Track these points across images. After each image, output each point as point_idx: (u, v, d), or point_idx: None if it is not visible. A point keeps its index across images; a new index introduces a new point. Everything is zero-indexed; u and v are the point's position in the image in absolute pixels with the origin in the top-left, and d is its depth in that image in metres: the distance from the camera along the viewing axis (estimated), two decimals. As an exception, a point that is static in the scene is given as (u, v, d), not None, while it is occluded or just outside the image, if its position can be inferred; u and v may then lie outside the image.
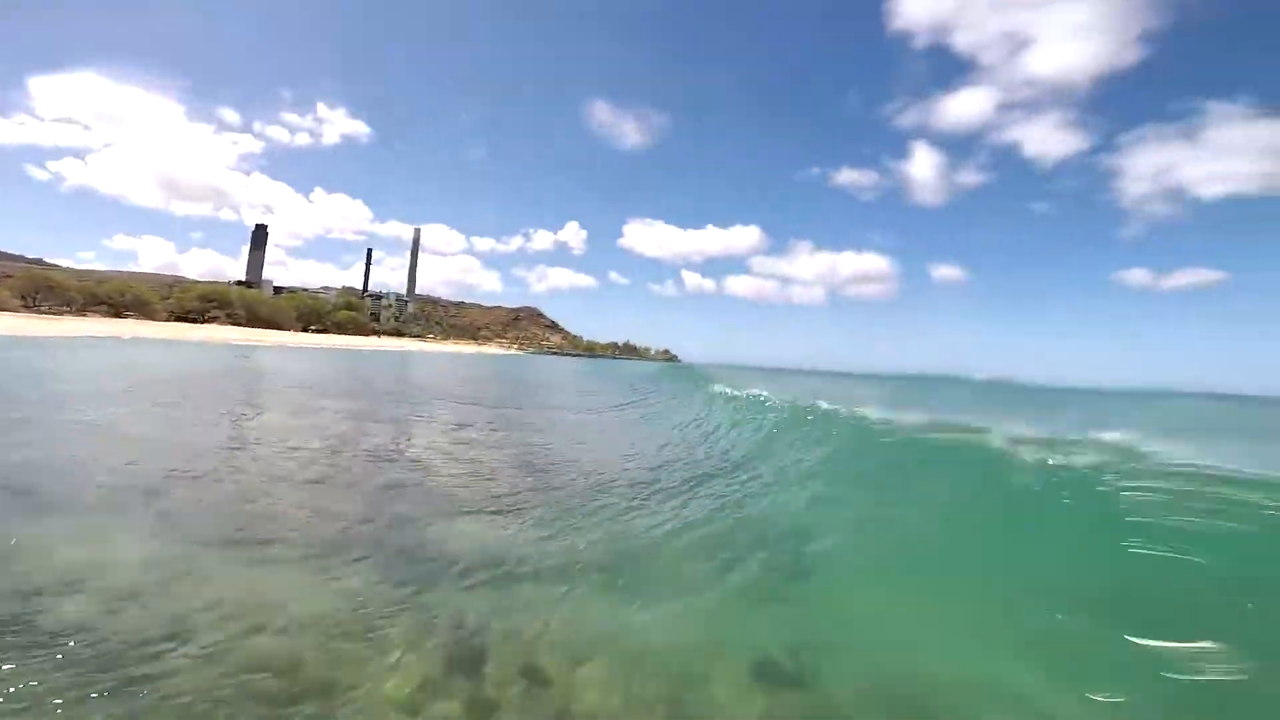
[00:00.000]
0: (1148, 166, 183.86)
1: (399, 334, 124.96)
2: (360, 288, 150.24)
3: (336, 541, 4.39)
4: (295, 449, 7.40)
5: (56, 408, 9.13)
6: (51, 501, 4.78)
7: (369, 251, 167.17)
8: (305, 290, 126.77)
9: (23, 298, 74.80)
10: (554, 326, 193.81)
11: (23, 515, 4.34)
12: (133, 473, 5.83)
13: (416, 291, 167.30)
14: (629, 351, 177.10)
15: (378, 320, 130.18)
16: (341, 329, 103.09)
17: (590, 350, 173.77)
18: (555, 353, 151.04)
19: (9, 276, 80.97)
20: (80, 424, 7.92)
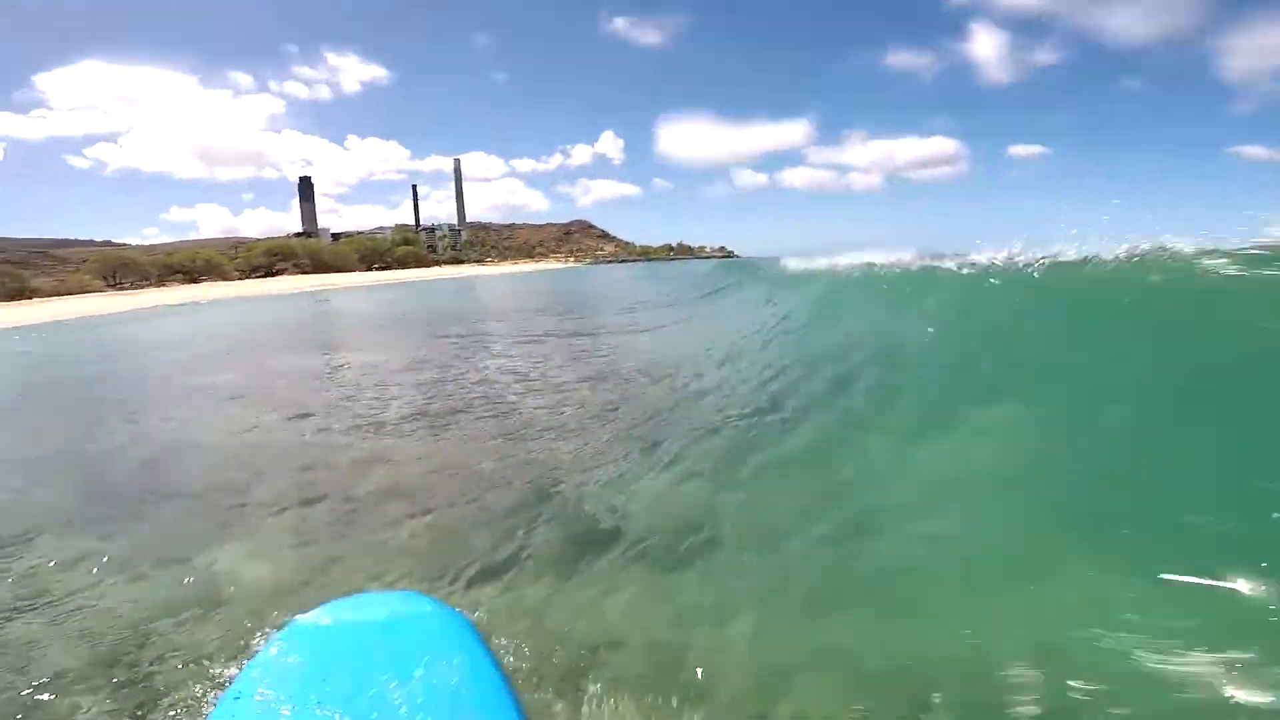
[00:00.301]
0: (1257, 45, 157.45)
1: (457, 261, 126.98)
2: (413, 223, 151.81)
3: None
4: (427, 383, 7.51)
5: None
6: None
7: (414, 188, 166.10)
8: (361, 233, 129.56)
9: (104, 278, 79.66)
10: (605, 236, 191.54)
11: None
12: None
13: (467, 219, 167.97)
14: (684, 252, 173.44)
15: (435, 251, 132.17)
16: (403, 264, 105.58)
17: (645, 255, 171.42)
18: (610, 261, 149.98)
19: (85, 260, 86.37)
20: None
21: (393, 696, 0.74)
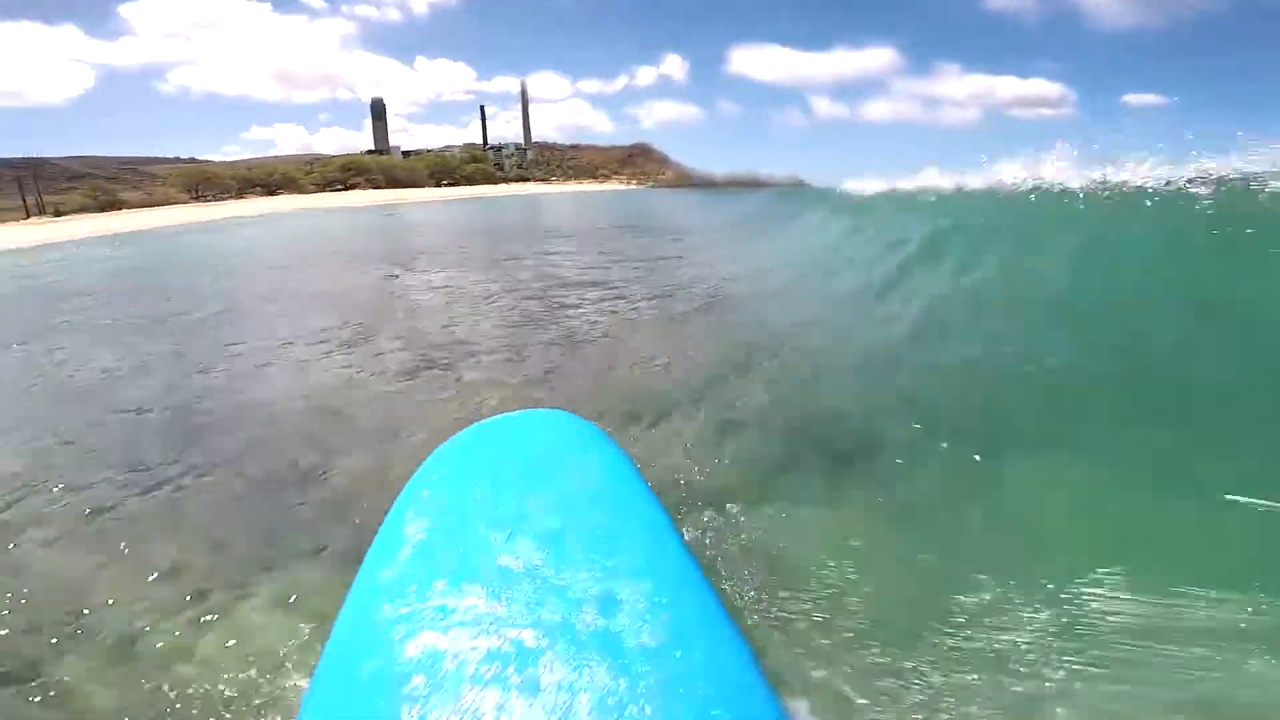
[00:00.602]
0: None
1: (523, 180, 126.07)
2: (481, 142, 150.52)
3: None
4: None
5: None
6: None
7: (482, 108, 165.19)
8: (431, 151, 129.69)
9: (188, 191, 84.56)
10: (666, 161, 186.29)
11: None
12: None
13: (533, 139, 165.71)
14: (751, 183, 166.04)
15: (502, 170, 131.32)
16: (471, 181, 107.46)
17: (710, 183, 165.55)
18: (671, 187, 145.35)
19: (170, 175, 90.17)
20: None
21: (547, 502, 0.80)
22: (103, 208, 73.83)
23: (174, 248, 18.99)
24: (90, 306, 7.90)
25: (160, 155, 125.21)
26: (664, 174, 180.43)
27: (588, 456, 0.95)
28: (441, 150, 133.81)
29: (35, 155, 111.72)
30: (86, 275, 11.63)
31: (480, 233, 16.78)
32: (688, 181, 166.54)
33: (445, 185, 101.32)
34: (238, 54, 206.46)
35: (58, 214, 71.09)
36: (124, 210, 70.67)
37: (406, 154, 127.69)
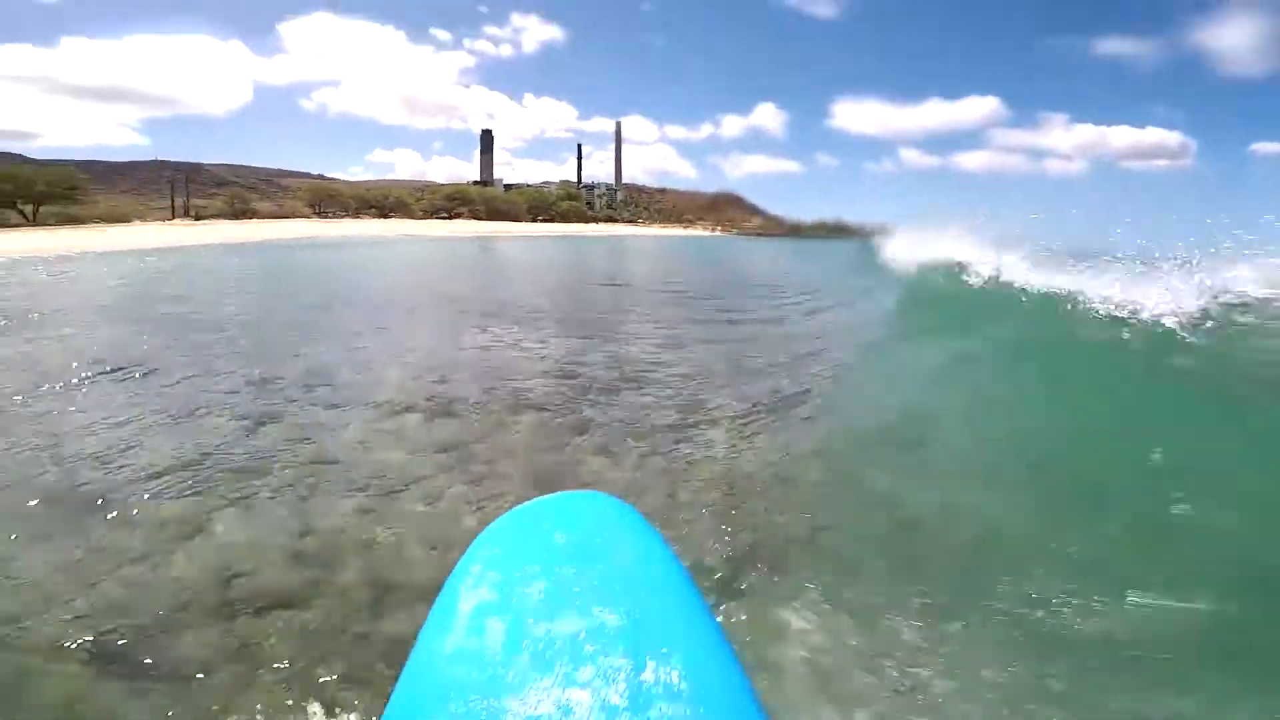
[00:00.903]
0: None
1: (611, 219, 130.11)
2: (575, 180, 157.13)
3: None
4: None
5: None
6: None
7: (579, 147, 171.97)
8: (530, 186, 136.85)
9: (312, 206, 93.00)
10: (754, 210, 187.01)
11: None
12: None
13: (623, 180, 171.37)
14: (840, 231, 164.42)
15: (593, 208, 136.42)
16: (565, 217, 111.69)
17: (797, 230, 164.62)
18: (758, 235, 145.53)
19: (300, 190, 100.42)
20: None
21: (588, 582, 0.86)
22: (237, 215, 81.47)
23: (283, 266, 20.25)
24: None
25: (294, 169, 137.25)
26: (750, 221, 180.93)
27: (626, 538, 1.00)
28: (540, 185, 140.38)
29: (193, 160, 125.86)
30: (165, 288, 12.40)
31: (566, 279, 17.71)
32: (775, 229, 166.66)
33: (540, 220, 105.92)
34: (372, 78, 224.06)
35: (197, 218, 79.42)
36: (254, 219, 77.97)
37: (508, 187, 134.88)
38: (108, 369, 5.22)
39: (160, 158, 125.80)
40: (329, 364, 5.69)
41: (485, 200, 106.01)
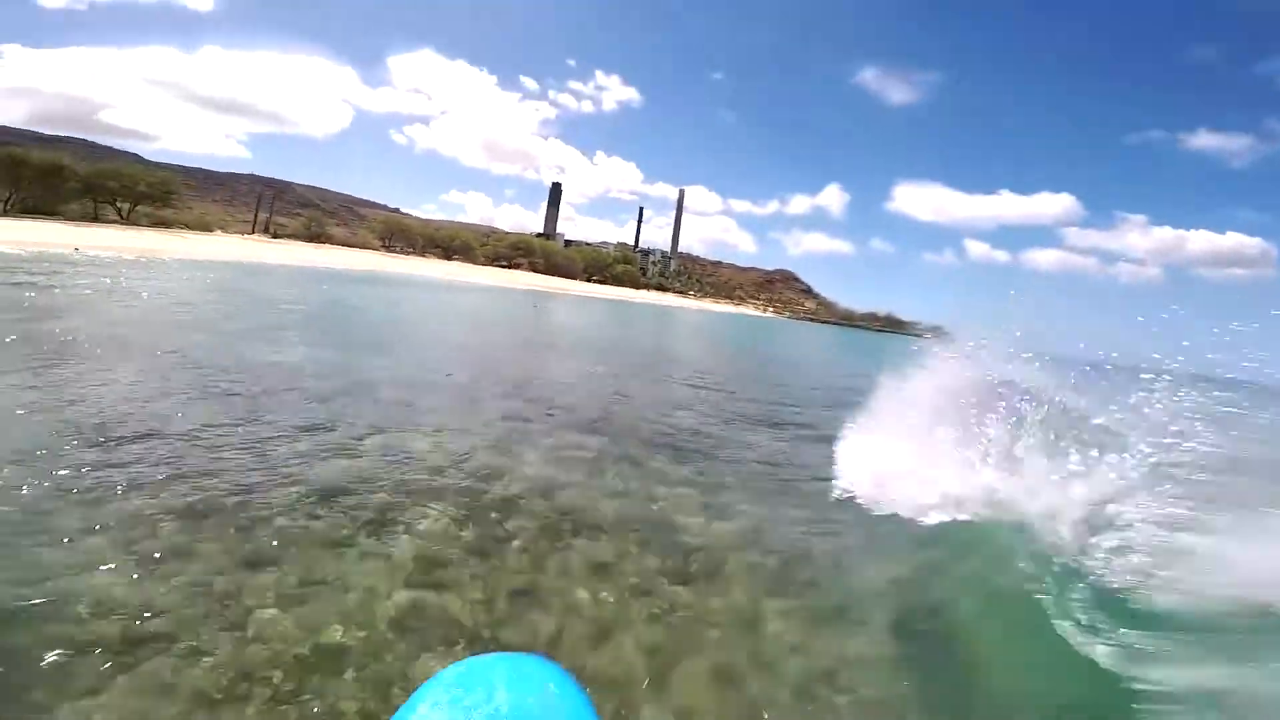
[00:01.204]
0: None
1: (662, 289, 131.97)
2: (632, 243, 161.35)
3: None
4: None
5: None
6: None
7: (640, 210, 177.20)
8: (588, 244, 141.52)
9: (381, 239, 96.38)
10: (808, 292, 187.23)
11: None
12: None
13: (680, 249, 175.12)
14: (892, 325, 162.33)
15: (645, 274, 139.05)
16: (619, 281, 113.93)
17: (848, 319, 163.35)
18: (811, 319, 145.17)
19: (374, 221, 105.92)
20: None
21: None
22: (312, 237, 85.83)
23: (338, 305, 20.41)
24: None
25: (372, 199, 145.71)
26: (803, 304, 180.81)
27: (557, 709, 1.03)
28: (598, 245, 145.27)
29: (285, 178, 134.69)
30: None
31: (604, 357, 17.36)
32: (826, 315, 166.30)
33: (594, 281, 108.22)
34: (460, 118, 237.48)
35: (275, 235, 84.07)
36: (327, 244, 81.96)
37: (568, 243, 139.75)
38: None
39: (255, 172, 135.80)
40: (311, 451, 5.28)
41: (546, 254, 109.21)
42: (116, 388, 6.16)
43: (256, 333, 11.05)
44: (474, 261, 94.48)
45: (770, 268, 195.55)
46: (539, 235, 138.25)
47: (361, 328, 15.67)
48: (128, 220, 57.86)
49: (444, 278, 57.37)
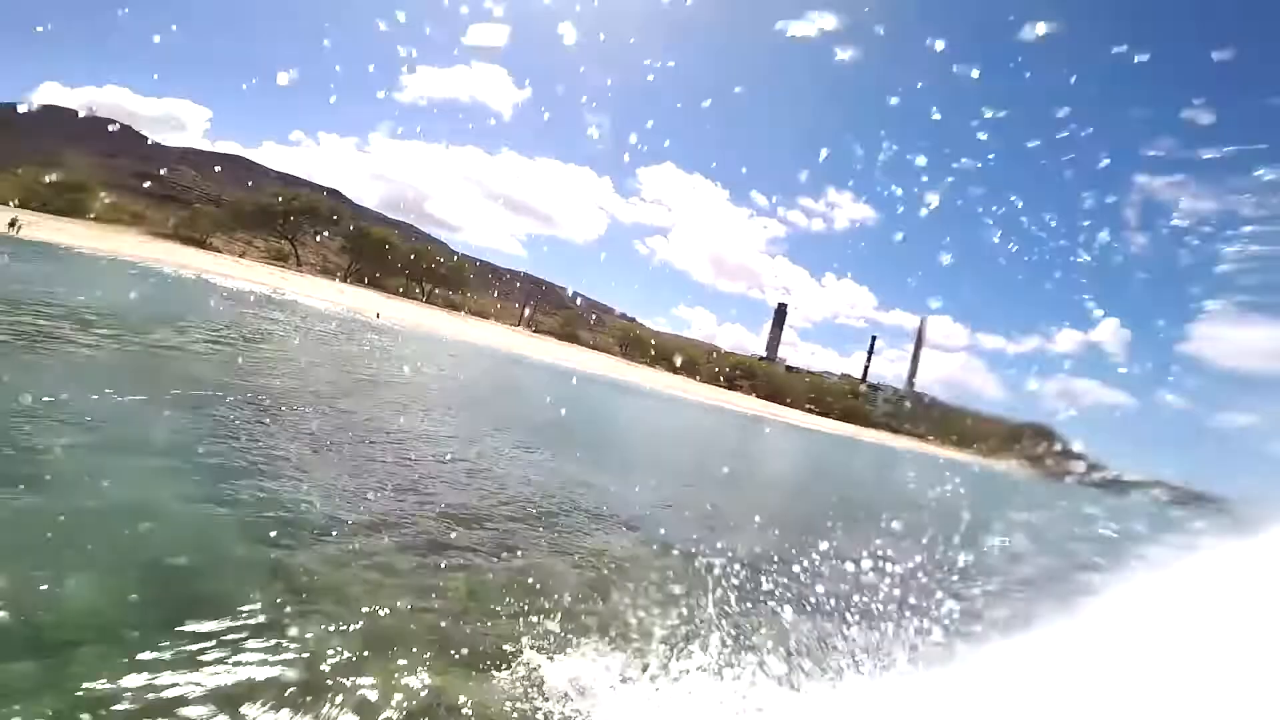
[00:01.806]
0: None
1: (893, 429, 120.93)
2: (860, 375, 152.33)
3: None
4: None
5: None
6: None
7: (873, 339, 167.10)
8: (810, 372, 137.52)
9: (620, 345, 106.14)
10: (1067, 453, 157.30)
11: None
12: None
13: (915, 386, 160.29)
14: (1192, 499, 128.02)
15: (873, 409, 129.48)
16: (847, 415, 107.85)
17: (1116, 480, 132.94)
18: (1077, 481, 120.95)
19: (613, 327, 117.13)
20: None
21: None
22: (565, 337, 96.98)
23: (594, 407, 21.98)
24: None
25: (612, 306, 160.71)
26: (1066, 468, 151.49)
27: None
28: (822, 374, 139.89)
29: (549, 278, 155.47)
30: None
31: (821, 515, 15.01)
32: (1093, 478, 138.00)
33: (815, 413, 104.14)
34: (693, 232, 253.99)
35: (535, 330, 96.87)
36: (575, 345, 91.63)
37: (789, 368, 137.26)
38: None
39: (527, 270, 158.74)
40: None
41: (767, 377, 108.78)
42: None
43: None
44: (694, 376, 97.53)
45: (1018, 420, 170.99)
46: (761, 358, 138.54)
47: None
48: (428, 299, 70.22)
49: (674, 391, 59.62)
